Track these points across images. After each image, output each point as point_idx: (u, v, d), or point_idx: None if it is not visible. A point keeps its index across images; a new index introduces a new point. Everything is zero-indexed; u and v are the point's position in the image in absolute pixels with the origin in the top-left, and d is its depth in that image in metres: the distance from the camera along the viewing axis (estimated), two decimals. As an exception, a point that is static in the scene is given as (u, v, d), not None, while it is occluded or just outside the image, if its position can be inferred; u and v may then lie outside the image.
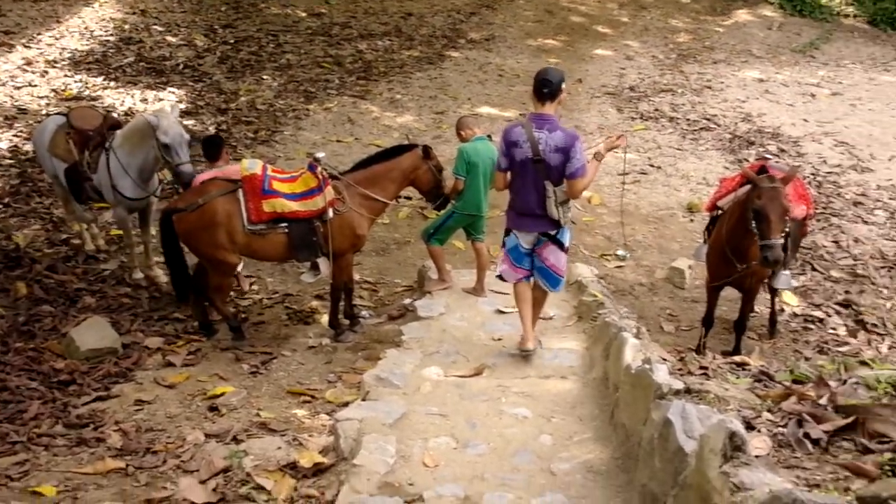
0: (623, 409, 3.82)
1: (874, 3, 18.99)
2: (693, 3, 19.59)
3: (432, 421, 4.22)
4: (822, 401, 3.26)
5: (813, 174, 10.65)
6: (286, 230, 6.07)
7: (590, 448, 3.86)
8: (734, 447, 2.52)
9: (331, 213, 6.11)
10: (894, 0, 18.62)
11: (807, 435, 2.93)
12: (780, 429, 3.05)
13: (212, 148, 6.81)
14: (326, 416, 4.98)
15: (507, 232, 5.27)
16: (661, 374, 3.43)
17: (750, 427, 3.08)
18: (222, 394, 5.33)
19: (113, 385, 5.47)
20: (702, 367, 4.32)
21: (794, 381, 3.80)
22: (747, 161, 10.60)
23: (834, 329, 7.28)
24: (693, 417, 2.91)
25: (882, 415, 2.92)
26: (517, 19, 18.26)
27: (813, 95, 14.12)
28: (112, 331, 6.10)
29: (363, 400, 4.57)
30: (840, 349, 6.80)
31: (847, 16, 19.17)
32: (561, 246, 5.15)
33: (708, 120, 12.71)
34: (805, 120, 12.87)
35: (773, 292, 7.09)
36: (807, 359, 6.16)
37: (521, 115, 12.41)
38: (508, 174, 5.16)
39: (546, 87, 4.88)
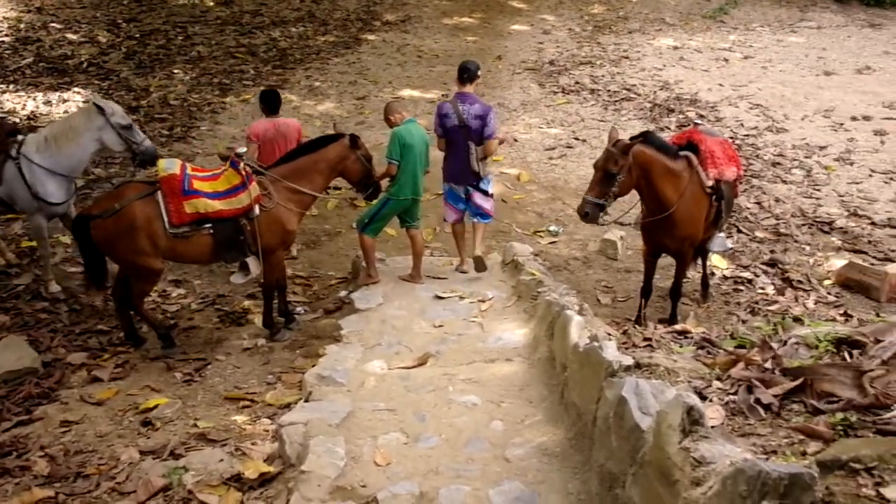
0: (573, 389, 3.77)
1: (777, -33, 19.51)
2: (604, -25, 19.79)
3: (380, 417, 4.09)
4: (768, 364, 3.27)
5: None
6: (211, 231, 5.81)
7: (542, 430, 3.80)
8: (692, 421, 2.48)
9: (257, 209, 5.88)
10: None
11: (758, 401, 2.93)
12: (731, 396, 3.04)
13: (274, 98, 7.23)
14: (268, 420, 4.81)
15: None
16: (611, 352, 3.39)
17: (702, 397, 3.06)
18: (155, 406, 5.07)
19: (35, 407, 5.12)
20: (646, 339, 4.31)
21: (738, 347, 3.82)
22: (669, 129, 10.77)
23: (763, 288, 7.45)
24: (647, 394, 2.87)
25: (829, 374, 2.94)
26: (431, -1, 18.12)
27: (726, 60, 14.46)
28: (30, 349, 5.73)
29: (306, 401, 4.41)
30: (770, 308, 6.96)
31: (752, -20, 19.67)
32: (485, 193, 6.73)
33: (628, 90, 12.86)
34: (720, 85, 13.16)
35: (704, 256, 7.19)
36: (743, 321, 6.28)
37: (443, 95, 12.32)
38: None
39: (466, 73, 6.56)
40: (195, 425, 4.78)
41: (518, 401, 4.21)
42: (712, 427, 2.69)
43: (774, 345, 3.58)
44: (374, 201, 6.61)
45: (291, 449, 3.71)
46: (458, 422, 4.00)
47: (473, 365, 4.83)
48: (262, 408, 5.10)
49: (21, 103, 11.75)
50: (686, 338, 4.37)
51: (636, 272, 7.35)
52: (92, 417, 5.02)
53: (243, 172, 5.83)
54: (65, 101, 11.94)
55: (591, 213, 5.83)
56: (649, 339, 4.25)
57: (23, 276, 7.21)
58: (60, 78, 12.91)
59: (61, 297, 6.82)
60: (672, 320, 6.42)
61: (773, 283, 7.49)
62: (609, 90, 12.88)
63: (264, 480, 3.70)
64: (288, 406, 4.86)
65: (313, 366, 5.07)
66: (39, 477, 4.20)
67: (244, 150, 6.04)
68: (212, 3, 17.31)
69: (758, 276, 7.62)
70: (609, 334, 4.34)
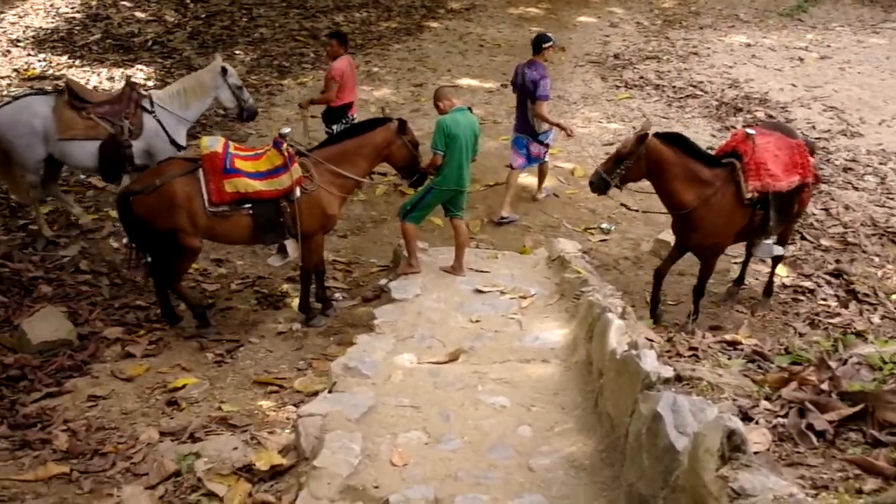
0: (608, 398, 3.51)
1: (862, -35, 18.57)
2: (678, -32, 19.14)
3: (403, 413, 3.90)
4: (825, 386, 2.96)
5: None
6: (250, 211, 5.71)
7: (572, 440, 3.56)
8: (733, 447, 2.22)
9: (298, 192, 5.76)
10: (882, -39, 18.19)
11: (810, 426, 2.64)
12: (781, 419, 2.76)
13: (346, 37, 8.61)
14: (294, 407, 4.68)
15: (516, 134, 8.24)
16: (649, 361, 3.11)
17: (747, 418, 2.79)
18: (183, 386, 5.01)
19: (66, 380, 5.11)
20: (691, 349, 4.01)
21: (792, 363, 3.51)
22: (735, 128, 10.29)
23: (825, 300, 7.01)
24: (685, 411, 2.60)
25: (893, 402, 2.62)
26: (498, -13, 17.77)
27: (801, 59, 13.77)
28: (66, 321, 5.73)
29: (329, 392, 4.23)
30: (831, 321, 6.55)
31: (834, -22, 18.76)
32: (541, 143, 8.10)
33: (694, 87, 12.35)
34: (793, 85, 12.53)
35: (775, 263, 6.89)
36: (801, 334, 5.89)
37: (503, 85, 12.05)
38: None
39: (535, 45, 7.99)
40: (219, 408, 4.69)
41: (550, 406, 3.96)
42: (756, 453, 2.42)
43: (833, 364, 3.26)
44: (419, 188, 6.43)
45: (307, 442, 3.55)
46: (483, 424, 3.78)
47: (507, 364, 4.60)
48: (289, 394, 4.99)
49: (85, 78, 11.91)
50: (736, 349, 4.06)
51: (689, 275, 6.99)
52: (120, 393, 4.99)
53: (286, 153, 5.71)
54: (127, 77, 12.05)
55: (595, 183, 6.27)
56: (695, 349, 3.96)
57: (69, 247, 7.24)
58: (125, 55, 13.08)
59: (104, 272, 6.84)
60: (694, 315, 6.36)
61: (836, 295, 7.04)
62: (674, 86, 12.40)
63: (276, 473, 3.55)
64: (316, 394, 4.72)
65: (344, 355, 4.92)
66: (58, 451, 4.15)
67: (288, 130, 5.91)
68: (278, -14, 17.33)
69: (820, 287, 7.18)
70: (651, 341, 4.05)
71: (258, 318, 6.32)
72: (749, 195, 5.96)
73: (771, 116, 10.99)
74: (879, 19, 16.44)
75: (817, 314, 6.70)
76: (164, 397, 4.89)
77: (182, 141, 7.27)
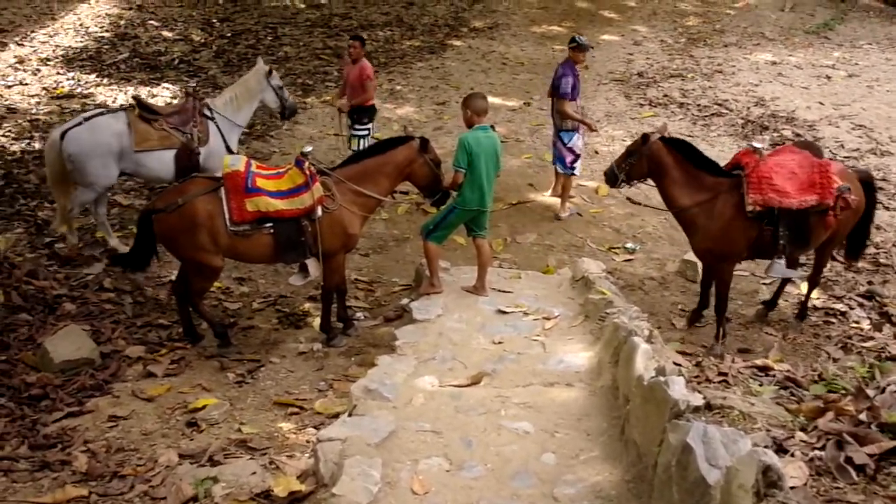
0: (635, 425, 3.41)
1: (890, -18, 18.42)
2: (702, -14, 19.09)
3: (424, 439, 3.82)
4: (863, 416, 2.84)
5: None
6: (272, 230, 5.69)
7: (598, 469, 3.45)
8: (769, 483, 2.12)
9: (319, 211, 5.73)
10: (910, -22, 18.05)
11: (849, 460, 2.53)
12: (817, 452, 2.65)
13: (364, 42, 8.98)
14: (314, 429, 4.61)
15: None
16: (678, 388, 3.01)
17: (782, 450, 2.68)
18: (204, 407, 4.95)
19: (87, 399, 5.08)
20: (721, 374, 3.90)
21: (828, 391, 3.39)
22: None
23: (857, 322, 6.85)
24: (716, 442, 2.50)
25: (937, 436, 2.51)
26: (521, 6, 17.83)
27: (828, 77, 13.62)
28: (89, 340, 5.71)
29: (349, 415, 4.15)
30: (865, 344, 6.36)
31: (862, -5, 18.61)
32: (562, 141, 8.49)
33: (719, 105, 12.25)
34: (821, 103, 12.38)
35: (811, 286, 6.77)
36: (834, 359, 5.73)
37: (525, 103, 12.03)
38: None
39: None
40: (239, 430, 4.63)
41: (574, 432, 3.86)
42: (792, 488, 2.32)
43: (871, 392, 3.14)
44: (442, 207, 6.38)
45: (326, 468, 3.48)
46: (506, 450, 3.69)
47: (530, 388, 4.50)
48: (310, 416, 4.93)
49: (113, 97, 12.07)
50: (767, 375, 3.94)
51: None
52: (140, 414, 4.95)
53: (307, 172, 5.69)
54: (154, 96, 12.20)
55: (608, 174, 6.61)
56: (725, 375, 3.85)
57: (94, 265, 7.26)
58: (152, 73, 13.24)
59: (127, 290, 6.85)
60: (717, 337, 6.27)
61: (868, 318, 6.88)
62: (699, 104, 12.30)
63: (294, 500, 3.48)
64: (336, 415, 4.66)
65: (364, 376, 4.85)
66: (77, 473, 4.11)
67: (309, 149, 5.90)
68: (303, 6, 17.52)
69: (852, 309, 7.02)
70: (679, 366, 3.94)
71: (279, 338, 6.28)
72: (750, 208, 5.93)
73: (798, 135, 10.85)
74: (908, 36, 16.25)
75: (850, 337, 6.52)
76: (185, 418, 4.84)
77: (234, 147, 7.58)
